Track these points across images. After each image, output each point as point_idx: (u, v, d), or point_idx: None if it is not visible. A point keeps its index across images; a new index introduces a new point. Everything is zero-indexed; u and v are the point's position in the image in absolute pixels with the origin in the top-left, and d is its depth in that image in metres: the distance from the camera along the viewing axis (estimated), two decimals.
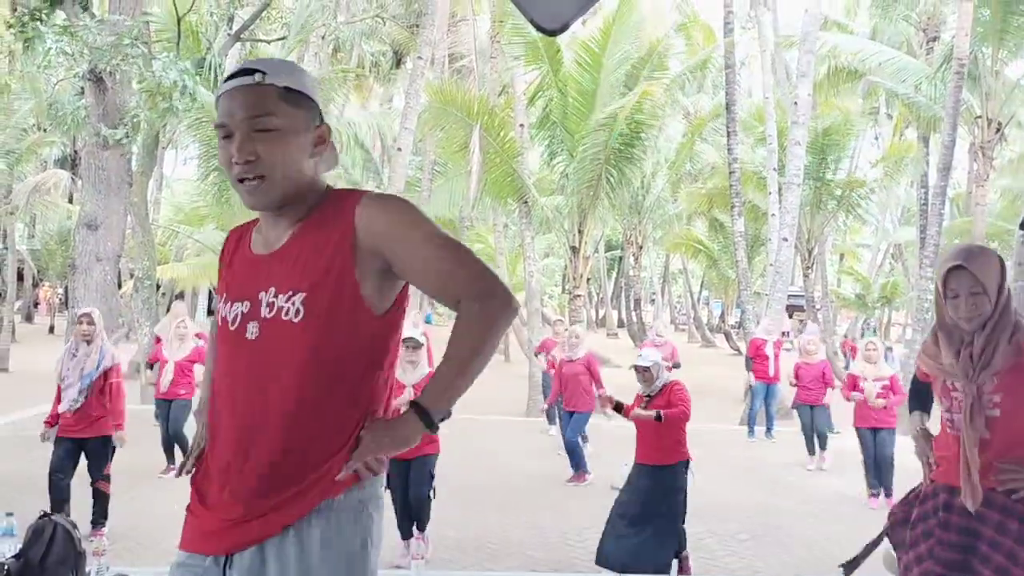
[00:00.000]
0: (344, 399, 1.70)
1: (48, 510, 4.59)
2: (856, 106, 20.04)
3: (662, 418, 5.04)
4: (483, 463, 8.98)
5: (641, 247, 29.00)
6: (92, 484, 5.64)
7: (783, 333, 15.78)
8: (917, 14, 20.63)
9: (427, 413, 1.66)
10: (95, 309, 6.09)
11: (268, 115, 1.70)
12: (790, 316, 28.90)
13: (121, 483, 6.18)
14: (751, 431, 11.25)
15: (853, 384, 7.89)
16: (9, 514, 4.83)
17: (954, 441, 2.67)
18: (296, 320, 1.67)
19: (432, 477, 5.49)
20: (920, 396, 3.04)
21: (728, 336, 31.40)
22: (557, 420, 9.37)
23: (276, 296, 1.69)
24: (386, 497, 1.97)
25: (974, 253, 2.71)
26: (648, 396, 5.31)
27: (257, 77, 1.71)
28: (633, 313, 33.00)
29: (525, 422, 12.27)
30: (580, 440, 8.31)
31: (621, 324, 40.99)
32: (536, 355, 12.16)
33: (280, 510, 1.67)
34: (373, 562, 1.74)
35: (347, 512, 1.70)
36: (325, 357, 1.67)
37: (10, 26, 8.93)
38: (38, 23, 8.23)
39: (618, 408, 5.48)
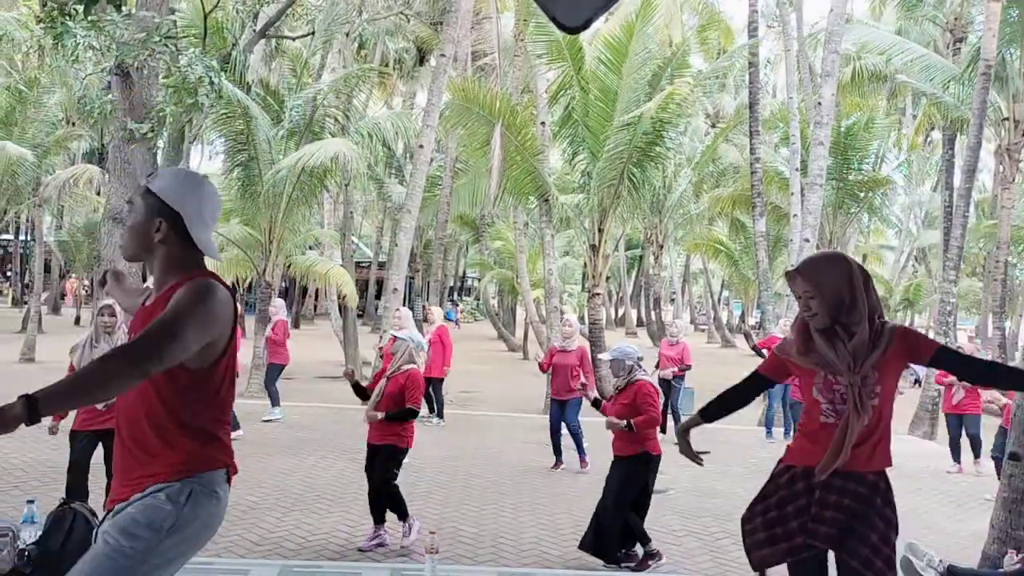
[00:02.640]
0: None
1: (67, 499, 4.66)
2: (880, 106, 19.84)
3: (633, 428, 5.43)
4: (499, 459, 9.01)
5: (662, 246, 28.91)
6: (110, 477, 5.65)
7: None
8: (944, 15, 20.40)
9: (36, 402, 2.01)
10: (117, 302, 6.12)
11: (130, 202, 2.45)
12: None
13: None
14: (768, 432, 11.21)
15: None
16: (30, 501, 4.93)
17: (831, 428, 2.99)
18: None
19: (391, 466, 5.62)
20: (735, 394, 3.33)
21: (748, 336, 31.23)
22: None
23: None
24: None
25: (811, 261, 3.15)
26: (617, 390, 5.77)
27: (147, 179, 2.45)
28: (652, 312, 32.93)
29: (542, 419, 12.26)
30: (578, 426, 8.69)
31: (640, 323, 40.89)
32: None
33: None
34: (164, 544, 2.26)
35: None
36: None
37: (39, 21, 9.03)
38: (67, 18, 8.33)
39: (596, 404, 6.02)
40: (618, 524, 5.43)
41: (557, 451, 8.68)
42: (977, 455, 9.78)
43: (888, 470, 3.05)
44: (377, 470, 5.63)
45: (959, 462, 9.80)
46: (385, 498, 5.63)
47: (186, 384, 2.29)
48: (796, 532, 3.02)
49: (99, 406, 5.39)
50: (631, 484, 5.50)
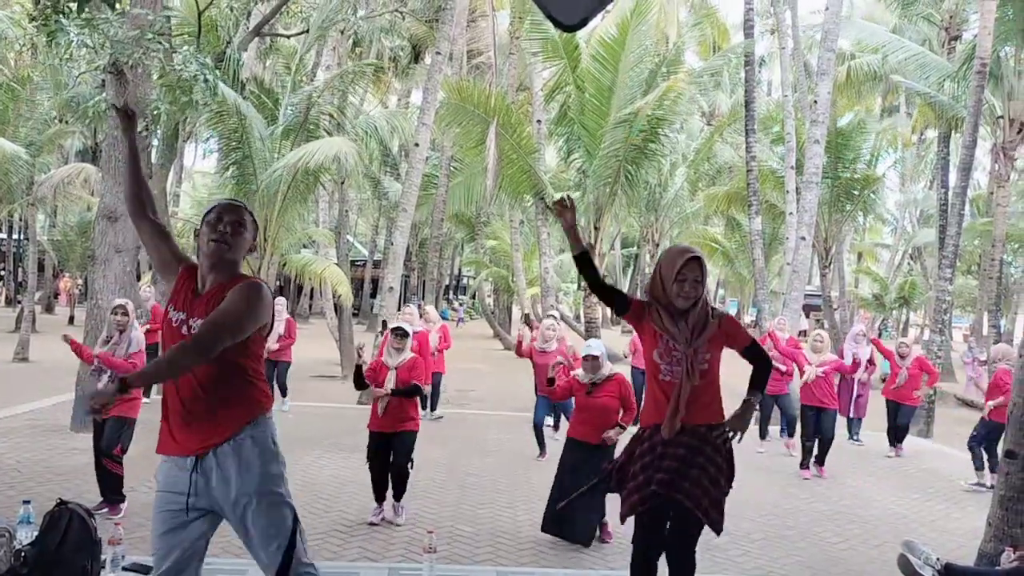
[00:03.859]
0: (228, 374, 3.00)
1: (63, 499, 4.64)
2: (876, 104, 19.89)
3: (626, 428, 5.77)
4: (496, 458, 9.01)
5: (658, 244, 28.90)
6: (102, 460, 5.97)
7: (800, 332, 15.70)
8: (939, 13, 20.43)
9: (126, 383, 2.69)
10: (129, 301, 6.38)
11: (242, 223, 3.08)
12: (807, 316, 28.77)
13: (140, 469, 6.23)
14: (764, 431, 11.20)
15: (792, 348, 9.57)
16: (26, 502, 4.90)
17: (667, 387, 3.62)
18: None
19: (411, 451, 6.18)
20: (600, 281, 3.82)
21: None
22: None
23: (197, 321, 2.97)
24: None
25: (699, 252, 3.71)
26: (592, 383, 6.01)
27: (240, 205, 3.16)
28: None
29: None
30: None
31: None
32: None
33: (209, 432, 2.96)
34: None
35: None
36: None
37: (32, 19, 8.96)
38: (60, 16, 8.27)
39: (551, 382, 6.44)
40: (598, 503, 5.73)
41: (541, 443, 9.24)
42: (900, 441, 10.37)
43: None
44: (399, 453, 6.10)
45: (895, 446, 10.40)
46: (401, 479, 6.17)
47: (250, 347, 3.01)
48: (643, 484, 3.60)
49: None
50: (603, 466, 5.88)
